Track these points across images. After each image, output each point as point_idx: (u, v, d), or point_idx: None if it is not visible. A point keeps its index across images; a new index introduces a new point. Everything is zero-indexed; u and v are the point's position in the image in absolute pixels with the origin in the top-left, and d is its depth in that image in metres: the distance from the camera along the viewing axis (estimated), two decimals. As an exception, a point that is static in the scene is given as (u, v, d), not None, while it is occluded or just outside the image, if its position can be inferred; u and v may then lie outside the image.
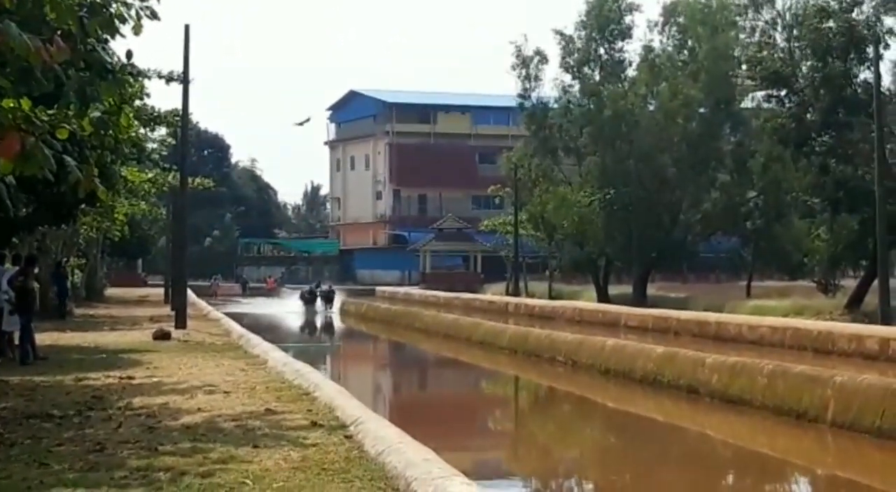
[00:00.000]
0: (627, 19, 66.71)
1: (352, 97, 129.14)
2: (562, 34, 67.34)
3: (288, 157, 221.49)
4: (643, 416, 24.92)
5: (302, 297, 73.45)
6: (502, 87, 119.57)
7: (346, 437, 13.51)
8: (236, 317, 46.18)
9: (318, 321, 63.06)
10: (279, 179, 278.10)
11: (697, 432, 23.21)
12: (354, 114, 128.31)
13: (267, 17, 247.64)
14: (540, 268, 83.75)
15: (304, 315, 66.28)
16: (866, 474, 18.03)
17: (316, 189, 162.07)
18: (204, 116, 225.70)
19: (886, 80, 46.32)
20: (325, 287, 75.40)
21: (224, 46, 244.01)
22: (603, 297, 65.72)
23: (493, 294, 78.02)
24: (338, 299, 71.67)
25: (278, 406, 16.48)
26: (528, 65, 69.88)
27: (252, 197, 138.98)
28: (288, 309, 69.28)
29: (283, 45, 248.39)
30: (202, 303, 57.11)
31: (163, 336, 31.27)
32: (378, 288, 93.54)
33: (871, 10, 46.44)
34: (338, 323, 61.63)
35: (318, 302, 71.64)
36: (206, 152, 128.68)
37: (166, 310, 47.47)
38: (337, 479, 11.14)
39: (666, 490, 17.02)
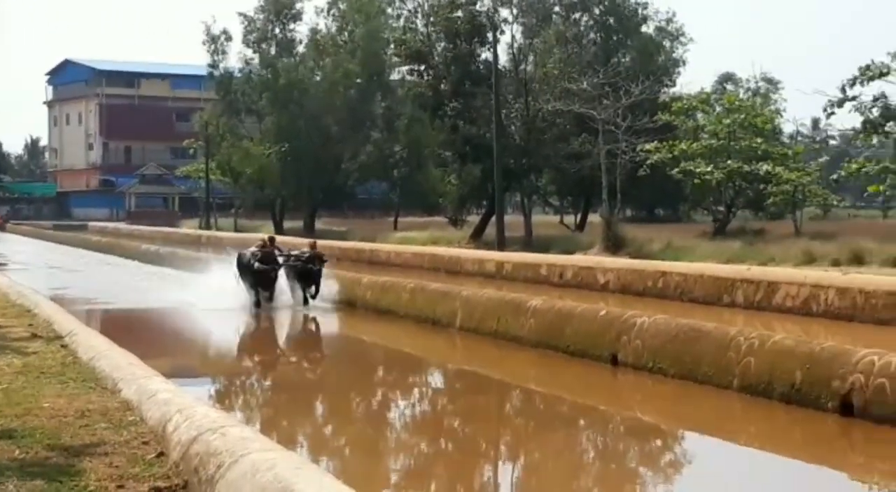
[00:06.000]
0: (298, 5, 67.15)
1: (66, 64, 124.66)
2: (245, 16, 67.10)
3: (11, 114, 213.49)
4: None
5: (245, 270, 25.36)
6: (197, 58, 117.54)
7: (63, 346, 13.23)
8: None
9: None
10: (2, 132, 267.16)
11: (355, 337, 23.50)
12: (69, 78, 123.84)
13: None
14: (227, 207, 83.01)
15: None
16: (485, 365, 18.70)
17: (35, 141, 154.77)
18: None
19: (503, 59, 47.67)
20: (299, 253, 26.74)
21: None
22: (279, 230, 65.81)
23: (188, 228, 77.09)
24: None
25: (2, 321, 15.91)
26: (216, 41, 69.26)
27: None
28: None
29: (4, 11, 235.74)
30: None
31: None
32: (90, 224, 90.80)
33: (491, 3, 47.75)
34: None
35: (284, 284, 26.12)
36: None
37: None
38: (54, 381, 10.95)
39: (325, 378, 17.27)
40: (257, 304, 24.95)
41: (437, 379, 18.35)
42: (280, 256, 25.43)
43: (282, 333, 23.65)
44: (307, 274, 25.34)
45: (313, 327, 24.18)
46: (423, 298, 23.01)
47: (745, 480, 10.72)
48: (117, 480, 7.31)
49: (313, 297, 25.35)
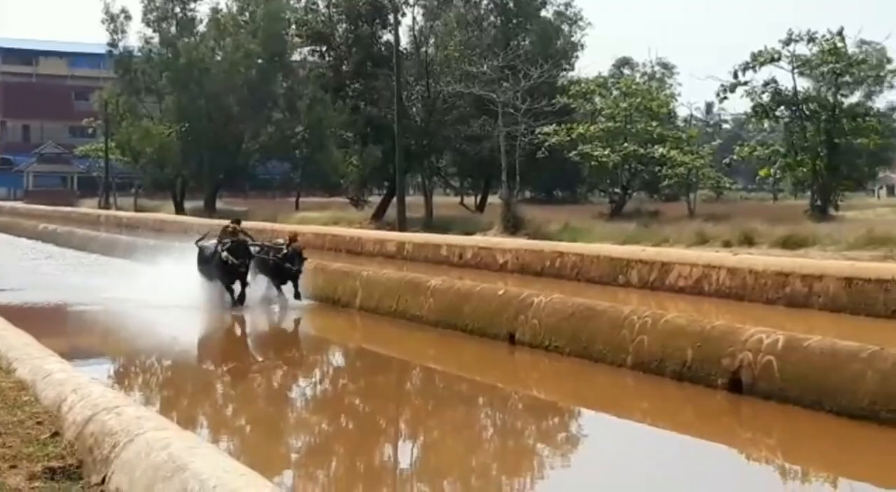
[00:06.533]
0: (199, -16, 65.97)
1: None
2: (144, -6, 65.81)
3: None
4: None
5: (208, 263, 21.59)
6: (96, 37, 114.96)
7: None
8: None
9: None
10: None
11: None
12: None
13: None
14: (127, 186, 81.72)
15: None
16: (385, 344, 18.74)
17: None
18: None
19: (404, 41, 47.65)
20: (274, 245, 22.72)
21: None
22: (180, 210, 65.10)
23: (87, 208, 75.78)
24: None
25: None
26: (115, 20, 67.84)
27: None
28: None
29: None
30: None
31: None
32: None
33: (392, -14, 47.53)
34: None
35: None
36: None
37: None
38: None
39: (225, 358, 17.15)
40: (240, 299, 21.14)
41: (337, 358, 18.33)
42: (253, 245, 21.88)
43: (185, 314, 23.17)
44: (281, 272, 21.61)
45: (210, 307, 23.76)
46: (324, 278, 22.91)
47: (638, 455, 10.88)
48: (10, 460, 7.18)
49: (297, 297, 21.48)
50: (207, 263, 21.51)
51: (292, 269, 21.33)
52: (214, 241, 21.80)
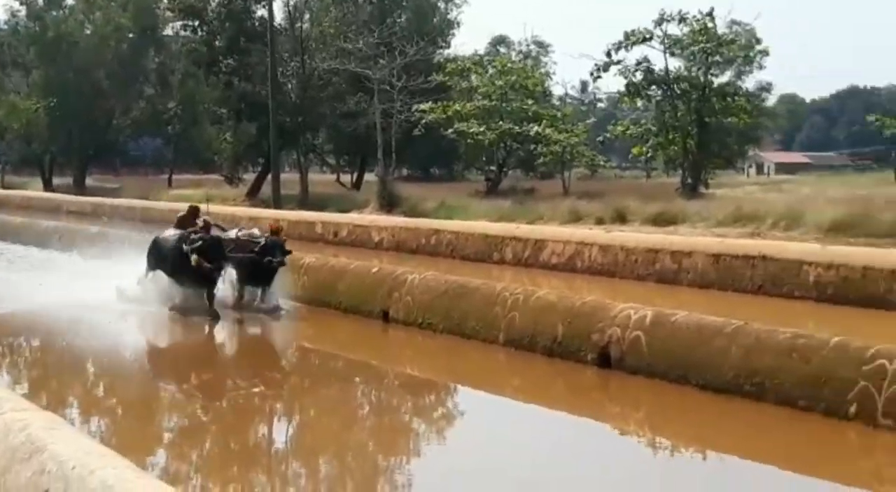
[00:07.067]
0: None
1: None
2: (12, -35, 63.96)
3: None
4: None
5: (167, 261, 17.56)
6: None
7: None
8: None
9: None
10: None
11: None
12: None
13: None
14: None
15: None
16: (257, 323, 18.48)
17: None
18: None
19: (279, 17, 47.29)
20: (247, 233, 18.57)
21: None
22: (48, 187, 63.71)
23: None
24: None
25: None
26: (-22, -8, 66.02)
27: None
28: None
29: None
30: None
31: None
32: None
33: (266, -40, 46.97)
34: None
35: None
36: None
37: None
38: None
39: (98, 340, 16.85)
40: (214, 315, 17.08)
41: (210, 339, 18.09)
42: (224, 238, 17.64)
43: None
44: (261, 271, 17.42)
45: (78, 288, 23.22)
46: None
47: (509, 430, 10.99)
48: None
49: (274, 307, 17.69)
50: (165, 260, 17.54)
51: (273, 263, 17.23)
52: (173, 231, 18.00)
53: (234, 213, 37.82)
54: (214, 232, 17.71)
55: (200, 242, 16.65)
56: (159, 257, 17.68)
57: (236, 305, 17.79)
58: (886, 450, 9.73)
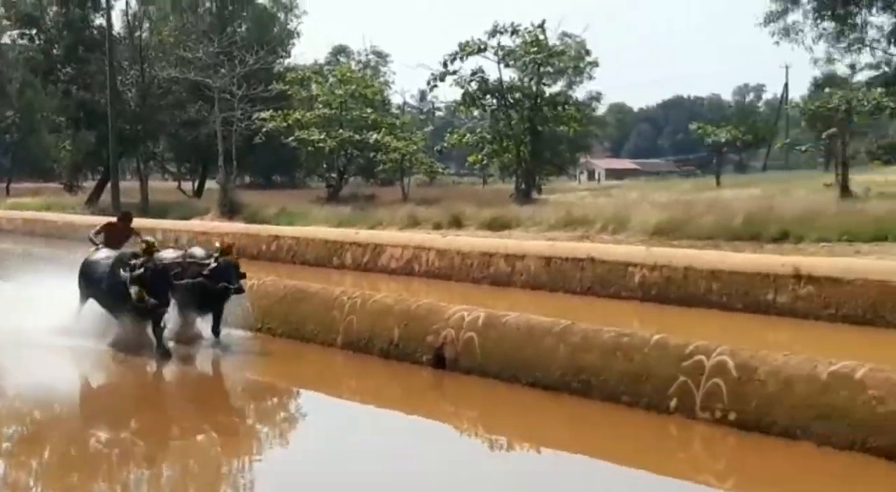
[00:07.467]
0: None
1: None
2: None
3: None
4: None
5: (104, 291, 14.31)
6: None
7: None
8: None
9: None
10: None
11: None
12: None
13: None
14: None
15: None
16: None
17: None
18: None
19: (118, 26, 46.52)
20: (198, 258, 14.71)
21: None
22: None
23: None
24: None
25: None
26: None
27: None
28: None
29: None
30: None
31: None
32: None
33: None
34: None
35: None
36: None
37: None
38: None
39: None
40: (164, 353, 13.92)
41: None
42: (169, 261, 14.31)
43: None
44: (212, 298, 14.43)
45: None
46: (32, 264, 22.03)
47: (346, 432, 10.98)
48: None
49: (215, 332, 14.77)
50: (97, 288, 14.56)
51: (230, 289, 14.23)
52: (106, 252, 15.02)
53: (72, 221, 37.03)
54: (168, 254, 14.84)
55: (143, 270, 13.52)
56: (89, 284, 14.71)
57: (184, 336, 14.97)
58: (704, 441, 10.05)
